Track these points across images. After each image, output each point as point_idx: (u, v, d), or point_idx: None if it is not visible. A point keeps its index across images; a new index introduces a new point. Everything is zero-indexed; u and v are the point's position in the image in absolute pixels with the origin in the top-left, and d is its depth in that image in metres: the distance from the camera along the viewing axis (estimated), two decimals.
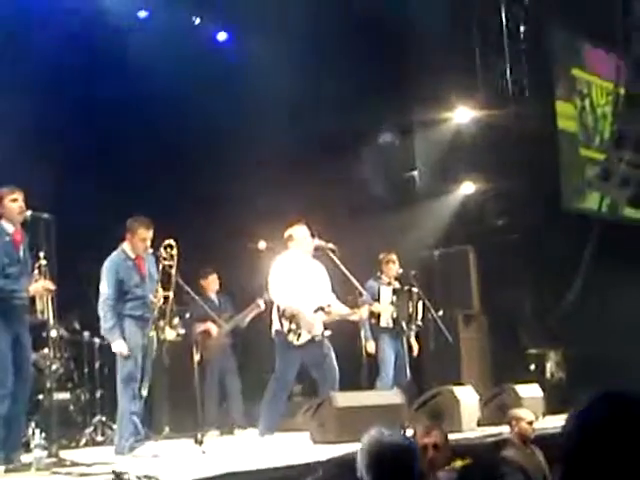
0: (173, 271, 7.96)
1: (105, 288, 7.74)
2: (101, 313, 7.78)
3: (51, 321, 7.32)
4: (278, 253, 9.07)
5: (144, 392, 7.82)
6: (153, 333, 7.96)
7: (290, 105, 11.67)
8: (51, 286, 7.16)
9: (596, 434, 2.14)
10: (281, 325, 8.60)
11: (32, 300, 7.13)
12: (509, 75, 13.70)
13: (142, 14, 11.54)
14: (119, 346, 7.75)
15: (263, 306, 10.04)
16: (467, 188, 13.53)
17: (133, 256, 7.91)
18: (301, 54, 11.47)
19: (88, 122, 10.24)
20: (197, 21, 11.79)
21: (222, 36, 12.31)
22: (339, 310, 8.91)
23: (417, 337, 10.44)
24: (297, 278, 8.73)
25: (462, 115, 13.51)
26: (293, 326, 8.55)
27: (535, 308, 13.34)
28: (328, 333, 8.82)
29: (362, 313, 9.10)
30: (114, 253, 7.91)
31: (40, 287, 7.12)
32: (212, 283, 10.64)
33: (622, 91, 11.79)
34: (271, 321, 8.79)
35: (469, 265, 12.31)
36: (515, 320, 13.14)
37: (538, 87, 13.69)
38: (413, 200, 12.90)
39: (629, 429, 2.12)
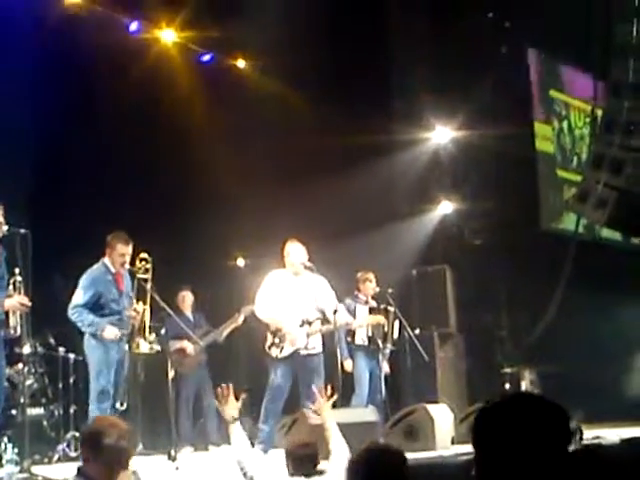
0: (148, 285, 7.99)
1: (79, 299, 7.73)
2: (74, 317, 7.76)
3: (24, 337, 7.31)
4: (256, 270, 9.14)
5: (120, 406, 7.80)
6: (127, 348, 7.96)
7: (272, 124, 11.72)
8: (26, 301, 7.14)
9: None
10: (266, 339, 8.71)
11: (6, 315, 7.12)
12: (488, 96, 13.78)
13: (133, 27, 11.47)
14: (110, 331, 7.71)
15: (241, 320, 10.07)
16: (445, 208, 13.60)
17: (113, 271, 7.93)
18: (284, 73, 11.55)
19: (64, 137, 10.23)
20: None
21: (206, 57, 12.33)
22: (343, 318, 9.04)
23: (392, 356, 10.47)
24: (285, 293, 8.84)
25: (441, 135, 13.59)
26: (276, 340, 8.66)
27: (511, 327, 13.40)
28: (313, 346, 8.85)
29: (338, 319, 9.08)
30: (95, 266, 7.94)
31: (15, 302, 7.10)
32: (187, 300, 10.64)
33: (600, 113, 11.85)
34: (265, 338, 8.86)
35: (446, 284, 12.36)
36: (491, 339, 13.20)
37: (517, 108, 13.78)
38: (392, 219, 12.94)
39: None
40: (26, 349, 7.77)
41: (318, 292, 8.94)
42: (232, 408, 5.28)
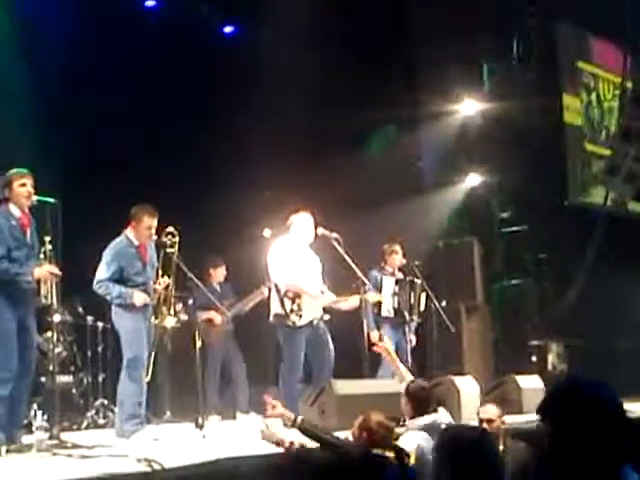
0: (174, 259, 8.01)
1: (102, 273, 7.73)
2: (101, 291, 7.76)
3: (55, 305, 7.36)
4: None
5: (146, 377, 7.85)
6: (154, 319, 8.01)
7: (299, 96, 11.70)
8: (56, 270, 7.20)
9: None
10: (282, 306, 8.65)
11: (37, 284, 7.18)
12: (516, 67, 13.70)
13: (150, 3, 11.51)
14: (139, 297, 7.71)
15: (267, 293, 10.10)
16: (473, 180, 13.55)
17: (137, 243, 7.91)
18: (308, 46, 11.52)
19: (95, 109, 10.28)
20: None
21: (229, 28, 12.30)
22: (329, 298, 8.99)
23: (419, 328, 10.46)
24: (297, 262, 8.83)
25: (469, 107, 13.53)
26: (295, 307, 8.61)
27: (538, 300, 13.37)
28: (327, 317, 8.90)
29: (351, 302, 9.09)
30: (117, 239, 7.90)
31: (45, 271, 7.15)
32: (219, 274, 10.69)
33: (630, 85, 11.76)
34: (269, 305, 8.85)
35: (473, 256, 12.31)
36: (518, 312, 13.17)
37: (545, 80, 13.69)
38: (419, 191, 12.92)
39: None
40: (56, 317, 7.82)
41: (315, 268, 8.98)
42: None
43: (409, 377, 6.98)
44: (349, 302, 9.03)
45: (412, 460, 5.41)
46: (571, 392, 2.58)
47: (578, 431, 2.47)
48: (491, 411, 6.60)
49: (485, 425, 6.38)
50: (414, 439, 5.76)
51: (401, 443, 5.66)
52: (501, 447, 6.33)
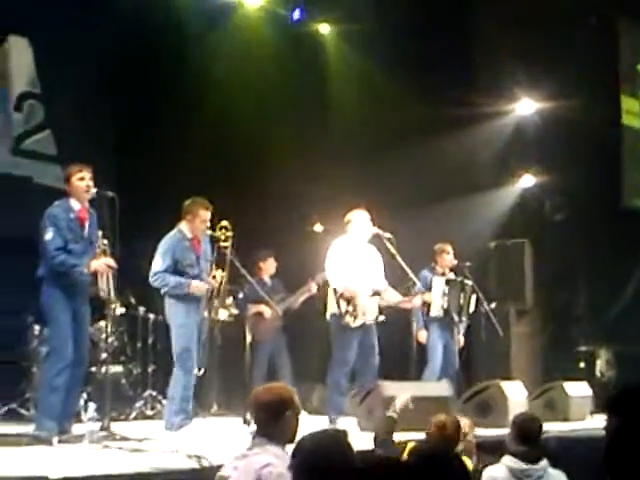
0: (228, 252, 8.04)
1: (158, 266, 7.79)
2: (157, 283, 7.83)
3: (112, 298, 7.44)
4: (334, 236, 9.14)
5: (198, 371, 7.89)
6: (206, 313, 8.06)
7: (354, 95, 11.68)
8: (112, 263, 7.27)
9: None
10: (338, 307, 8.67)
11: (94, 276, 7.25)
12: (574, 67, 13.52)
13: None
14: (197, 285, 7.78)
15: (315, 289, 10.11)
16: (527, 181, 13.41)
17: (190, 236, 7.96)
18: (371, 45, 11.50)
19: (148, 102, 10.37)
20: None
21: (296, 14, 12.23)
22: (392, 296, 8.96)
23: (467, 329, 10.41)
24: (354, 262, 8.83)
25: (525, 107, 13.38)
26: (350, 308, 8.63)
27: (589, 305, 13.21)
28: (382, 318, 8.89)
29: (415, 301, 9.13)
30: (171, 233, 7.96)
31: (102, 264, 7.23)
32: (269, 267, 10.70)
33: None
34: (326, 304, 8.87)
35: (525, 259, 12.18)
36: (568, 316, 13.02)
37: (604, 81, 13.50)
38: (472, 191, 12.82)
39: None
40: (112, 310, 7.88)
41: (375, 265, 8.96)
42: None
43: None
44: (412, 301, 9.02)
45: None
46: None
47: None
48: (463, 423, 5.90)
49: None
50: (496, 470, 5.26)
51: (490, 468, 5.26)
52: (474, 462, 5.77)
